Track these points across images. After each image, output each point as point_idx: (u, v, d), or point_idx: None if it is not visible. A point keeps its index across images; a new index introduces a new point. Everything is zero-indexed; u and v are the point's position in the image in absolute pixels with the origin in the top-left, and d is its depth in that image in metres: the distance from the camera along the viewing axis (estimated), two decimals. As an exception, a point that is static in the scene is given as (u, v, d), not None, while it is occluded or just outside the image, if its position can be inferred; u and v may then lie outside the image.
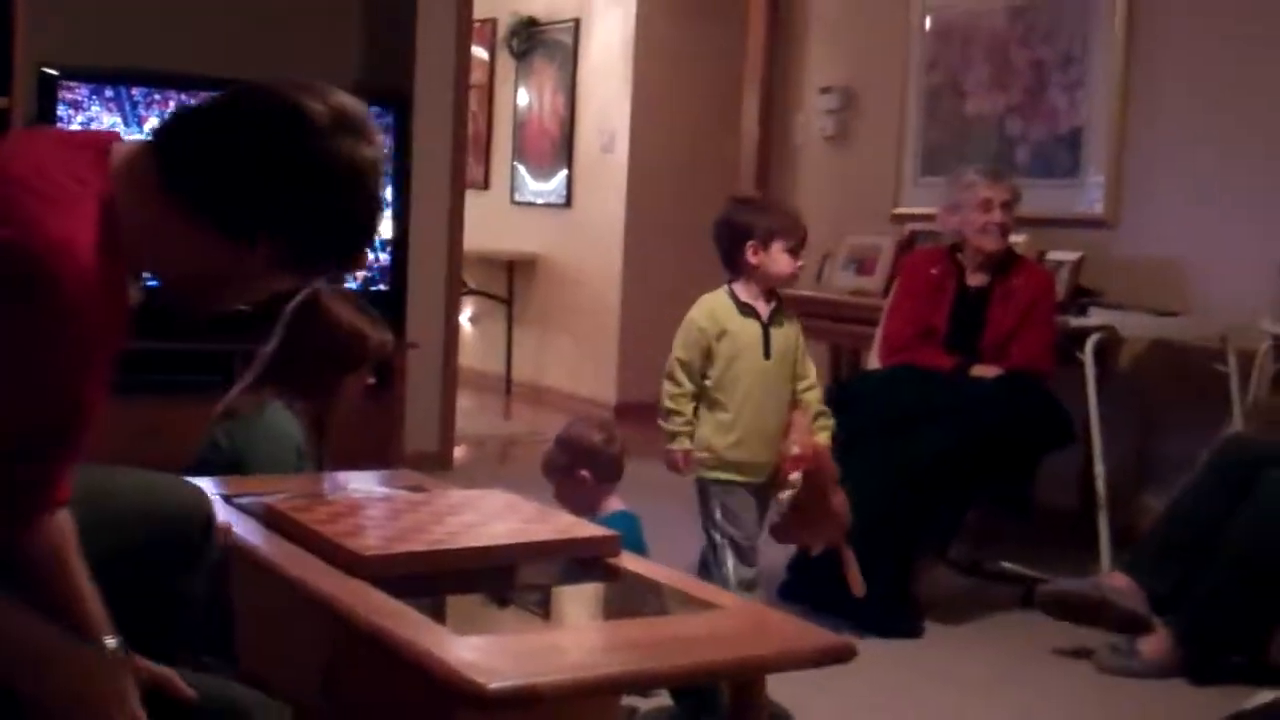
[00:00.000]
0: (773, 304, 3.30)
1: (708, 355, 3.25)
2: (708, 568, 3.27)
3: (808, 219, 5.96)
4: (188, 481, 2.18)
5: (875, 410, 3.91)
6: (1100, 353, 4.57)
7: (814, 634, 2.05)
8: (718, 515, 3.27)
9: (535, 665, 1.79)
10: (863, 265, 5.29)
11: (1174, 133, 4.73)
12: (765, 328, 3.26)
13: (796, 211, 3.43)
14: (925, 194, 5.35)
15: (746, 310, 3.26)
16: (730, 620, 2.07)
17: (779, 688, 2.32)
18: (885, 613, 3.64)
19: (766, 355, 3.24)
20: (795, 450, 3.20)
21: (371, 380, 3.11)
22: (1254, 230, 4.45)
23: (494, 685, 1.68)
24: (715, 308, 3.28)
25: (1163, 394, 4.70)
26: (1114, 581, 3.52)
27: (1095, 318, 4.31)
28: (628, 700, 2.72)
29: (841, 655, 1.99)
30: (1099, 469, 4.13)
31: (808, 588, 3.82)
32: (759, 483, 3.29)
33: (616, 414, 7.14)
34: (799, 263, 3.27)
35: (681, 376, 3.27)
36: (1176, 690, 3.34)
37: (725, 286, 3.32)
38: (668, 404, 3.28)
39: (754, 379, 3.24)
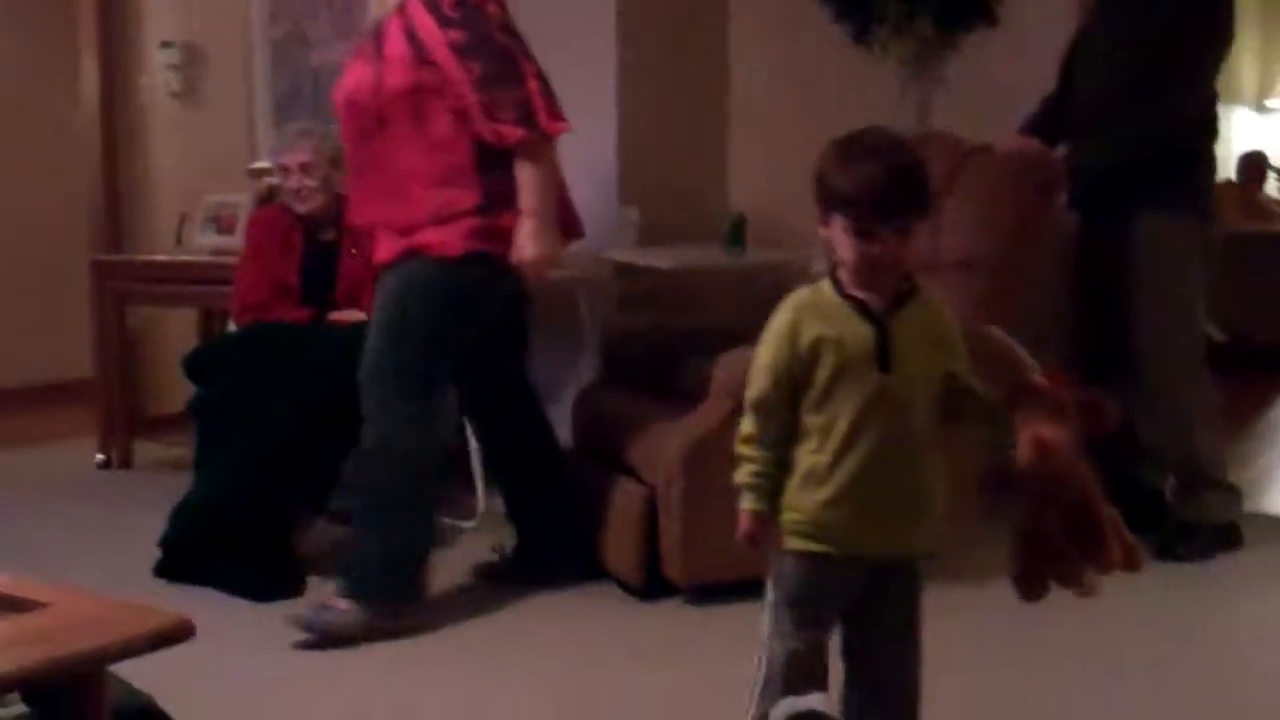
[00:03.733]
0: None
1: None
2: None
3: (160, 180, 5.85)
4: None
5: (236, 374, 3.83)
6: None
7: (151, 617, 1.98)
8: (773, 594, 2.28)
9: None
10: (222, 223, 5.16)
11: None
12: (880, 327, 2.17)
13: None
14: (281, 148, 5.27)
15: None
16: (60, 616, 1.97)
17: (148, 669, 2.21)
18: (265, 576, 3.59)
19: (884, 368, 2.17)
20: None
21: None
22: (598, 165, 4.70)
23: None
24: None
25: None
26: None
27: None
28: (-24, 714, 2.52)
29: (181, 635, 1.94)
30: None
31: (185, 564, 3.70)
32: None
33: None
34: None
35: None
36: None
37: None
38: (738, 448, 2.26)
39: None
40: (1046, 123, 3.96)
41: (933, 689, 2.90)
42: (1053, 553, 2.17)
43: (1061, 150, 3.88)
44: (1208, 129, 3.84)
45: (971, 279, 3.71)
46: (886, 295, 2.18)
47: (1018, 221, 3.79)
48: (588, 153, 4.69)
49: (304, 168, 4.05)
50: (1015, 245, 3.77)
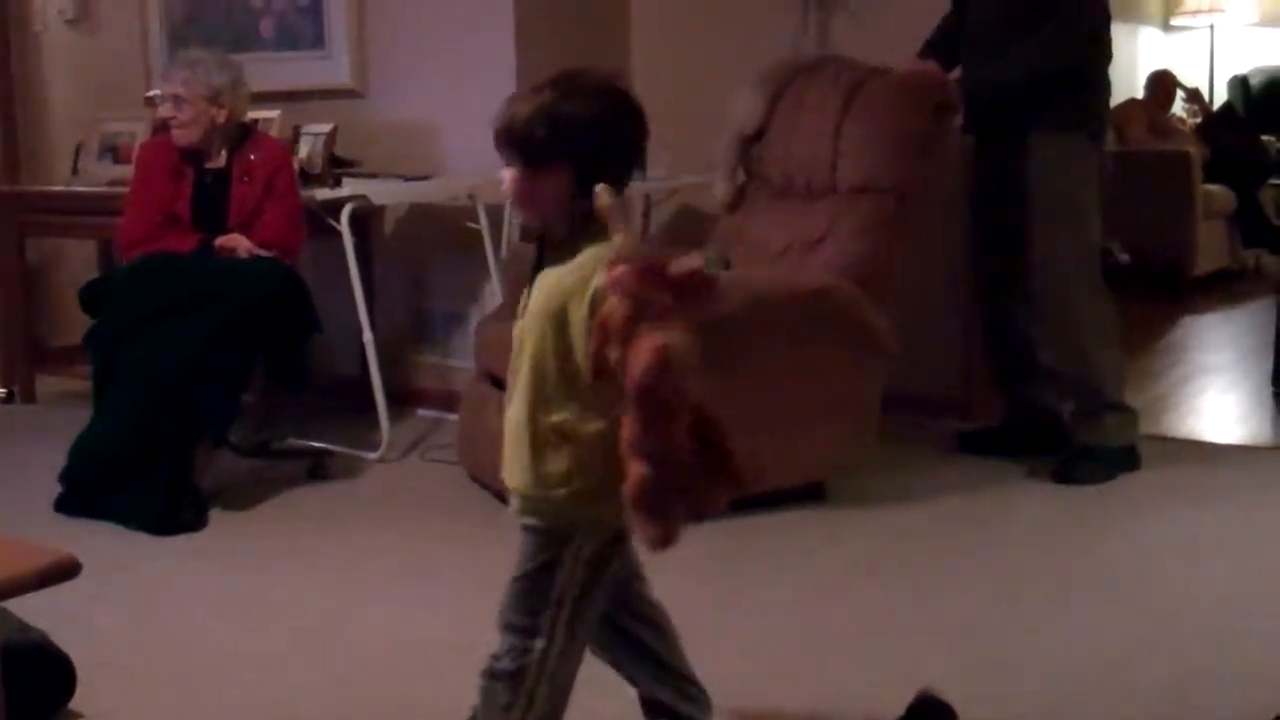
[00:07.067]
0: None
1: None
2: None
3: (55, 108, 5.72)
4: None
5: (129, 305, 3.77)
6: (365, 221, 4.69)
7: (36, 555, 1.96)
8: None
9: None
10: (119, 153, 5.06)
11: (412, 3, 4.83)
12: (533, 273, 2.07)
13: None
14: (178, 74, 5.16)
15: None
16: (-60, 556, 1.94)
17: (43, 604, 2.20)
18: (165, 510, 3.57)
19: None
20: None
21: None
22: (491, 92, 4.64)
23: None
24: None
25: (430, 255, 4.88)
26: None
27: (348, 188, 4.37)
28: None
29: (67, 571, 1.93)
30: (368, 336, 4.24)
31: (85, 498, 3.68)
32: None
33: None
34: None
35: None
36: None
37: None
38: None
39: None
40: (943, 46, 3.98)
41: (827, 613, 2.96)
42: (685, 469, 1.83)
43: (957, 73, 3.89)
44: (1099, 49, 3.86)
45: (869, 203, 3.73)
46: (553, 242, 2.04)
47: (915, 144, 3.80)
48: (485, 71, 4.66)
49: (175, 100, 3.95)
50: (913, 168, 3.79)
